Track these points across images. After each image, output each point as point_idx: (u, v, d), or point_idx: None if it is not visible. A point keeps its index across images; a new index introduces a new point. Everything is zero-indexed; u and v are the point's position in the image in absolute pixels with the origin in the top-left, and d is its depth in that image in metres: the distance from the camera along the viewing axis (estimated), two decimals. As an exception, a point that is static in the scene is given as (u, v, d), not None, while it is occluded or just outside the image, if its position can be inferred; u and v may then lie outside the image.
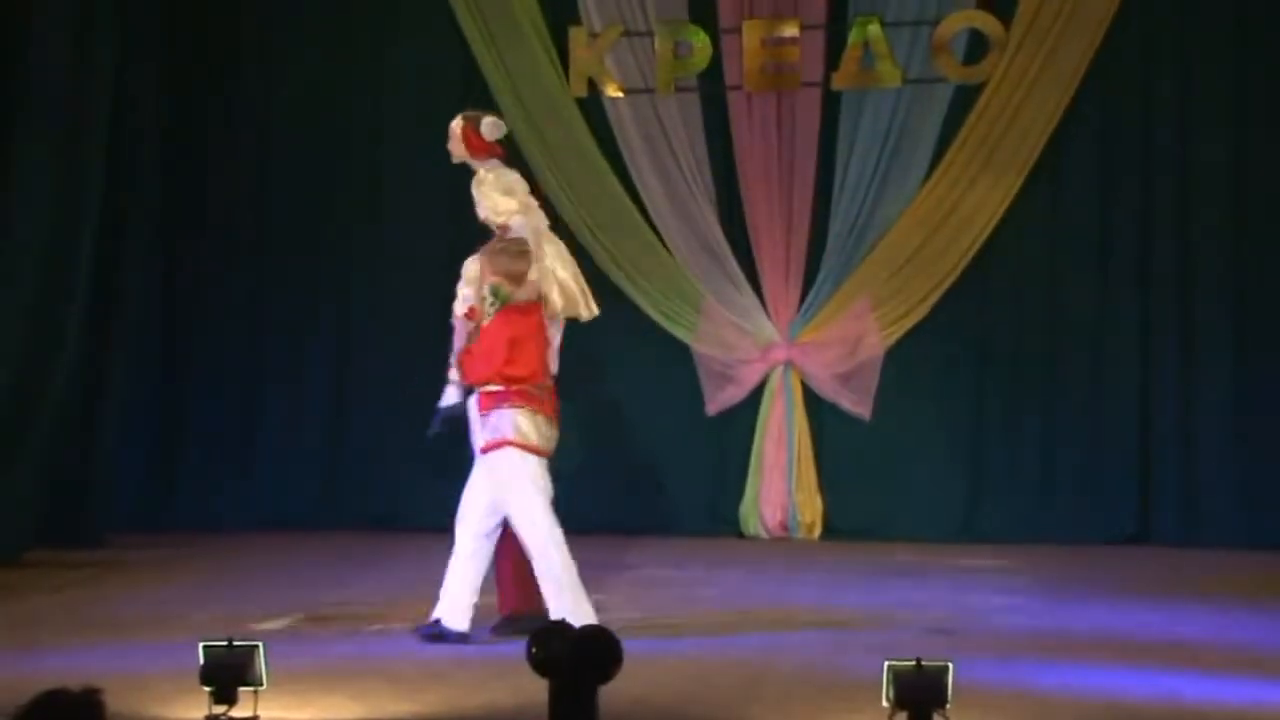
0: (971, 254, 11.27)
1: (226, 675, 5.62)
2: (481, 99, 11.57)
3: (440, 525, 8.13)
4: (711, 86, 11.55)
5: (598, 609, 7.68)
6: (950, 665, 5.27)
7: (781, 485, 11.39)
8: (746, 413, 11.52)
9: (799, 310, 11.47)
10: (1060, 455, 11.29)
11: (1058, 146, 11.21)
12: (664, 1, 11.51)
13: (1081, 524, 11.12)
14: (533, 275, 7.80)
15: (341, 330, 11.91)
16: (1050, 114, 11.12)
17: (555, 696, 4.79)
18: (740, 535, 11.44)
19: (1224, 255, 11.14)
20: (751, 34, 11.40)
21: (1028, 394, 11.38)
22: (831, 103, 11.43)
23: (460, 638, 7.65)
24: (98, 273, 10.60)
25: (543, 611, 7.58)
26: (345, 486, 11.75)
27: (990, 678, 6.74)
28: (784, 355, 11.44)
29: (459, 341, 7.91)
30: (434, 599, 7.82)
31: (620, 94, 11.56)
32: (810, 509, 11.40)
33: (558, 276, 7.92)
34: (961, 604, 8.89)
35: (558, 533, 7.68)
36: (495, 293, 7.77)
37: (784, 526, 11.39)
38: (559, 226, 11.42)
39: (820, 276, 11.45)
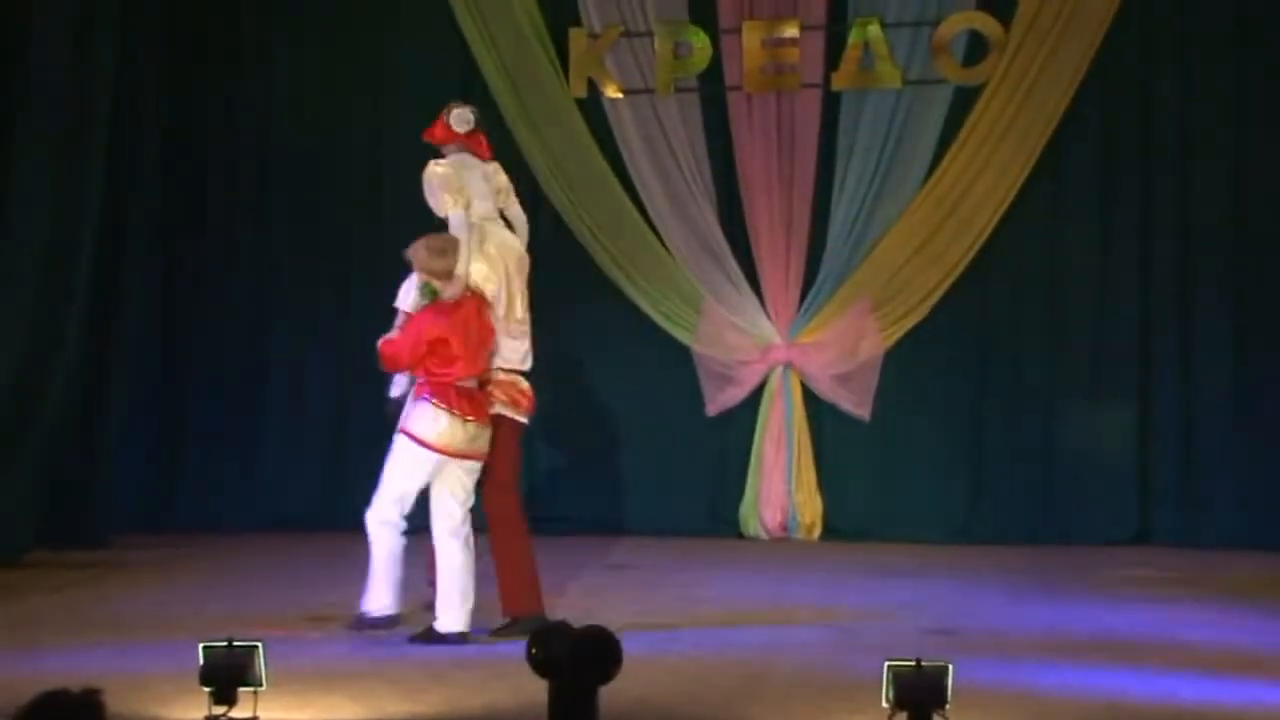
0: (971, 254, 11.28)
1: (226, 676, 5.62)
2: (481, 99, 11.59)
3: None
4: (711, 87, 11.56)
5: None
6: (950, 665, 5.27)
7: (781, 486, 11.40)
8: (746, 413, 11.53)
9: (799, 311, 11.47)
10: (1060, 455, 11.29)
11: (1058, 147, 11.22)
12: (664, 2, 11.52)
13: (1081, 524, 11.12)
14: (459, 270, 7.79)
15: (341, 330, 11.90)
16: (1050, 115, 11.12)
17: (555, 697, 4.79)
18: (740, 536, 11.44)
19: (1224, 255, 11.14)
20: (751, 35, 11.41)
21: (1027, 394, 11.38)
22: (831, 103, 11.43)
23: (459, 638, 7.65)
24: (98, 273, 10.60)
25: (543, 614, 7.59)
26: (345, 487, 11.72)
27: (990, 678, 6.74)
28: (784, 356, 11.44)
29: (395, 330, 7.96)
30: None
31: (620, 94, 11.57)
32: (810, 509, 11.40)
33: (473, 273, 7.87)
34: (961, 604, 8.89)
35: (399, 528, 7.77)
36: (423, 287, 7.84)
37: (784, 527, 11.39)
38: (559, 226, 11.57)
39: (820, 277, 11.45)
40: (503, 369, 7.96)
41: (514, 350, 8.01)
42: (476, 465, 7.79)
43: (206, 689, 5.63)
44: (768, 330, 11.49)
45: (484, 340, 7.83)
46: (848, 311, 11.37)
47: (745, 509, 11.47)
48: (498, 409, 7.88)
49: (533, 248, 8.09)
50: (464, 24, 11.61)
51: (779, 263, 11.49)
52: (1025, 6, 11.11)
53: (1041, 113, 11.12)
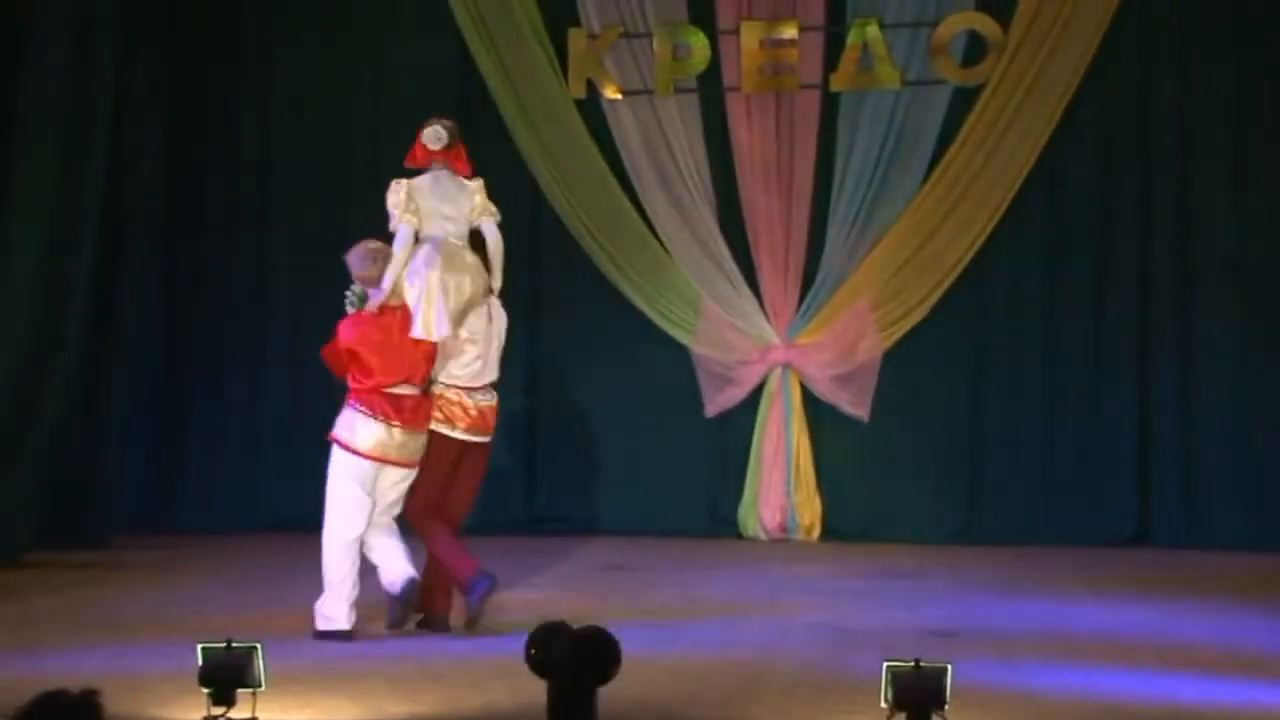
0: (971, 255, 11.28)
1: (225, 676, 5.61)
2: (481, 99, 11.61)
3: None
4: (710, 88, 11.56)
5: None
6: (949, 666, 5.27)
7: (780, 487, 11.40)
8: (745, 414, 11.53)
9: (798, 312, 11.47)
10: (1059, 456, 11.30)
11: (1057, 148, 11.22)
12: (663, 3, 11.52)
13: (1081, 525, 11.12)
14: (385, 284, 7.81)
15: (341, 331, 11.90)
16: (1049, 115, 11.12)
17: (554, 697, 4.79)
18: (739, 536, 11.44)
19: (1224, 255, 11.14)
20: (750, 35, 11.41)
21: (1027, 395, 11.38)
22: (830, 104, 11.44)
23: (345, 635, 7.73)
24: (98, 273, 10.60)
25: (446, 614, 7.89)
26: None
27: (990, 678, 6.74)
28: (783, 357, 11.44)
29: None
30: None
31: (619, 95, 11.57)
32: (809, 510, 11.40)
33: (411, 293, 7.86)
34: (961, 604, 8.89)
35: (348, 536, 7.75)
36: (353, 293, 7.91)
37: (783, 528, 11.39)
38: (558, 227, 11.57)
39: (819, 278, 11.46)
40: (449, 385, 7.96)
41: (461, 366, 7.99)
42: (409, 473, 7.88)
43: (205, 690, 5.63)
44: (767, 331, 11.49)
45: (406, 350, 7.82)
46: (847, 312, 11.37)
47: (744, 510, 11.47)
48: (433, 425, 7.92)
49: (533, 248, 8.11)
50: (463, 25, 11.61)
51: (778, 263, 11.49)
52: (1024, 7, 11.12)
53: (1041, 113, 11.13)
